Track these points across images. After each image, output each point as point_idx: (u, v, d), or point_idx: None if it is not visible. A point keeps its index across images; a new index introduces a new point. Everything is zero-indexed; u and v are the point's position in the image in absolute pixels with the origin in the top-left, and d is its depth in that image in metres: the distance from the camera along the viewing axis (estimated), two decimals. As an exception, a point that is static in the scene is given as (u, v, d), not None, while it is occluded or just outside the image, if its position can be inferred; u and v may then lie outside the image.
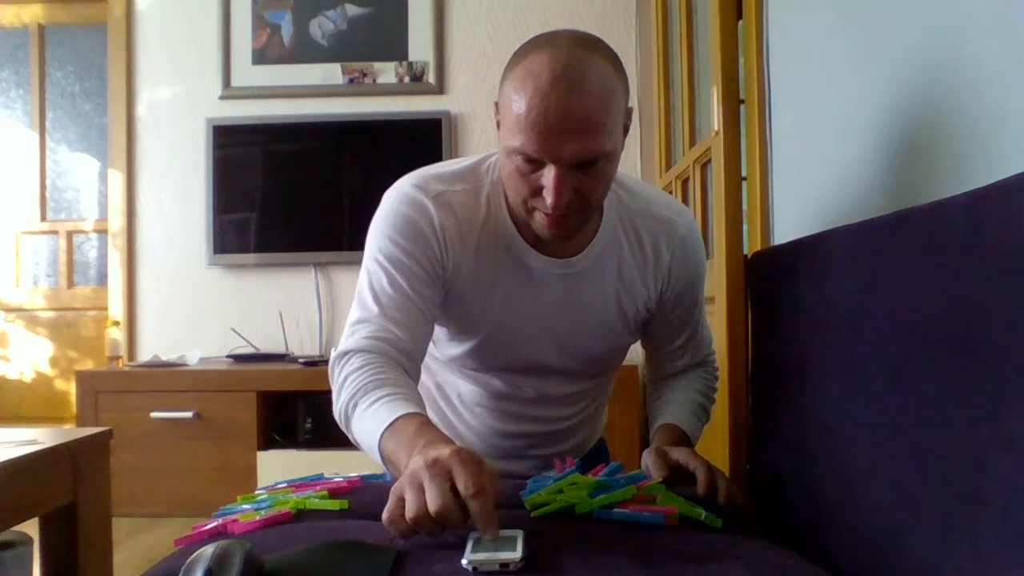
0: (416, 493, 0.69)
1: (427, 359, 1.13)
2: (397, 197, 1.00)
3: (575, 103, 0.83)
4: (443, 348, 1.11)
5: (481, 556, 0.68)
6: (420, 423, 0.82)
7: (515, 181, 0.90)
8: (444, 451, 0.71)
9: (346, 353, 0.94)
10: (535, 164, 0.87)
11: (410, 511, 0.68)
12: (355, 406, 0.89)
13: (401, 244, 0.97)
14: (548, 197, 0.87)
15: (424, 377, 1.16)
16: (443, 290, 1.01)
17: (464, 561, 0.67)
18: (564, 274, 1.02)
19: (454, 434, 1.16)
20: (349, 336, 0.97)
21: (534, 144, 0.85)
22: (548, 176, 0.86)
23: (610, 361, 1.15)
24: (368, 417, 0.86)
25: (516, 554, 0.68)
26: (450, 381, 1.16)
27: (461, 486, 0.68)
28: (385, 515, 0.71)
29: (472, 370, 1.11)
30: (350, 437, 0.92)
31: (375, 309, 0.96)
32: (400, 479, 0.73)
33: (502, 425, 1.14)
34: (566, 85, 0.83)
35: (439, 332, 1.09)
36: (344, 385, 0.91)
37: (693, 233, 1.08)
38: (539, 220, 0.92)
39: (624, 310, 1.06)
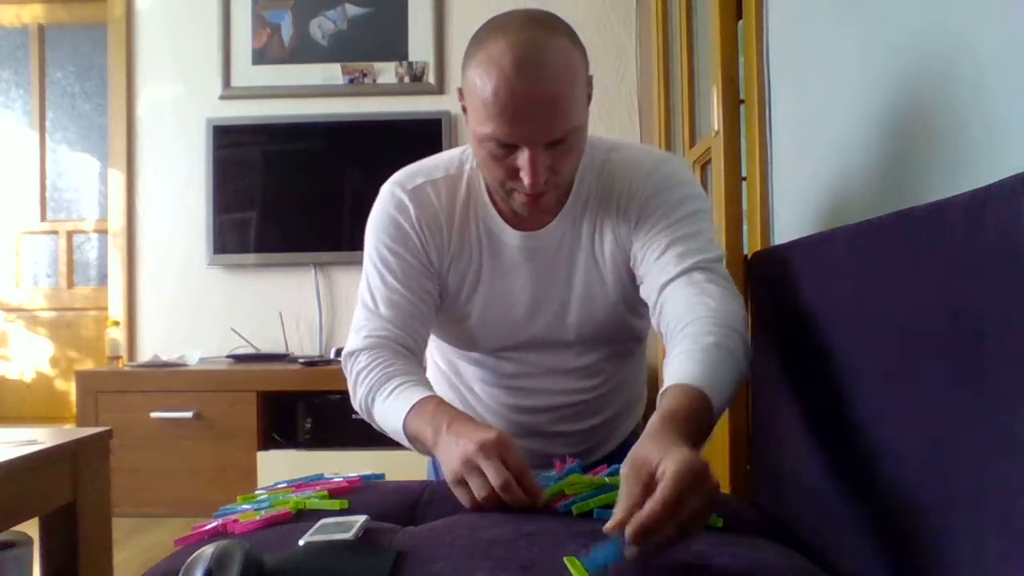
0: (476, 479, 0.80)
1: (436, 344, 1.19)
2: (381, 198, 1.08)
3: (541, 87, 0.86)
4: (444, 334, 1.13)
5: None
6: (437, 404, 0.93)
7: (490, 165, 0.94)
8: (470, 446, 0.80)
9: (353, 353, 1.03)
10: (508, 148, 0.90)
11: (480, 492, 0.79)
12: (374, 399, 0.99)
13: (387, 244, 1.05)
14: (525, 178, 0.91)
15: (437, 358, 1.21)
16: (436, 277, 1.06)
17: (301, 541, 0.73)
18: (543, 246, 1.04)
19: (471, 412, 1.14)
20: (354, 335, 1.05)
21: (505, 130, 0.88)
22: (523, 158, 0.90)
23: (619, 324, 1.08)
24: (388, 405, 0.96)
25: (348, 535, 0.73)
26: (459, 364, 1.16)
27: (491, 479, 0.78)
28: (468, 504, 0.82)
29: (476, 352, 1.11)
30: (373, 424, 1.03)
31: (373, 308, 1.05)
32: (450, 472, 0.83)
33: (516, 400, 1.12)
34: (529, 69, 0.85)
35: (439, 320, 1.11)
36: (359, 381, 1.01)
37: (668, 168, 1.02)
38: (518, 200, 0.96)
39: (615, 262, 1.04)
